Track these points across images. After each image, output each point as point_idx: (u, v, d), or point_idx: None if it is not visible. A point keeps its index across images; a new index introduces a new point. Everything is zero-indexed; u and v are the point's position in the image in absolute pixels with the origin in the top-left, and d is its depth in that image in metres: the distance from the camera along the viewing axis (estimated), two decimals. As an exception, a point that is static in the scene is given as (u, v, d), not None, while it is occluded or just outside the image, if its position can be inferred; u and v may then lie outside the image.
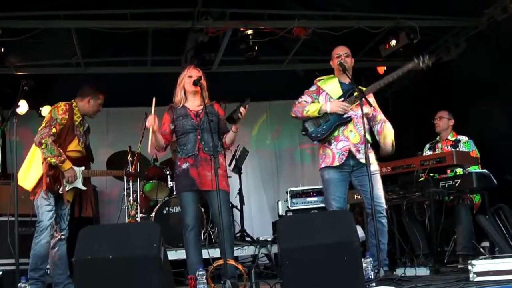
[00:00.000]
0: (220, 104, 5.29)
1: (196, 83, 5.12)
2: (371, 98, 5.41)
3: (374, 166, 5.24)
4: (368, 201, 5.04)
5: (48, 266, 5.65)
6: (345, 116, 5.19)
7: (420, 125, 7.19)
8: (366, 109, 5.18)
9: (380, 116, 5.42)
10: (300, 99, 5.44)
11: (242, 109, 4.98)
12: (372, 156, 5.22)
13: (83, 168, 5.63)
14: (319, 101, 5.35)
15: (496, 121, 7.26)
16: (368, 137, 5.23)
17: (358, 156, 5.18)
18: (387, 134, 5.29)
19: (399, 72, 5.27)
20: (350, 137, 5.21)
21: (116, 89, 9.40)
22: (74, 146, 5.57)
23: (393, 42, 7.83)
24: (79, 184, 5.59)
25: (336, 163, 5.20)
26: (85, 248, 3.76)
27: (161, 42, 8.40)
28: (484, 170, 6.12)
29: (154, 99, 5.08)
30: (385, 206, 5.22)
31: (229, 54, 8.43)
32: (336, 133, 5.25)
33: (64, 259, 5.47)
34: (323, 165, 5.31)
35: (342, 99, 5.24)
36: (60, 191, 5.42)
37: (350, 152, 5.20)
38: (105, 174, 5.72)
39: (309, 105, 5.32)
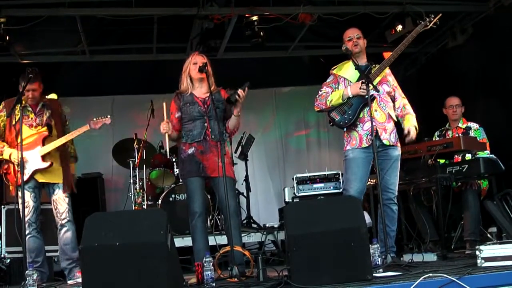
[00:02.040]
0: (227, 90, 5.25)
1: (202, 69, 5.07)
2: (391, 77, 5.39)
3: (398, 150, 5.24)
4: (381, 185, 5.02)
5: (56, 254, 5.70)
6: (367, 96, 5.01)
7: (426, 110, 7.14)
8: (387, 87, 5.22)
9: (400, 100, 5.36)
10: (320, 92, 5.35)
11: (240, 91, 4.96)
12: (395, 137, 5.22)
13: (38, 147, 5.44)
14: (339, 89, 5.26)
15: (503, 106, 7.22)
16: (394, 115, 5.25)
17: (383, 136, 5.12)
18: (406, 124, 5.28)
19: (410, 38, 5.22)
20: (376, 117, 5.10)
21: (121, 77, 9.47)
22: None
23: (399, 28, 7.79)
24: (38, 165, 5.42)
25: (365, 145, 5.12)
26: (92, 235, 3.76)
27: (166, 29, 8.38)
28: (492, 155, 6.07)
29: (165, 105, 5.08)
30: (396, 194, 5.21)
31: (235, 40, 8.41)
32: (361, 115, 5.16)
33: (70, 245, 5.42)
34: (348, 147, 5.23)
35: (361, 81, 5.13)
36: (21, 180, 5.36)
37: (377, 132, 5.09)
38: (65, 140, 5.48)
39: (331, 95, 5.23)
